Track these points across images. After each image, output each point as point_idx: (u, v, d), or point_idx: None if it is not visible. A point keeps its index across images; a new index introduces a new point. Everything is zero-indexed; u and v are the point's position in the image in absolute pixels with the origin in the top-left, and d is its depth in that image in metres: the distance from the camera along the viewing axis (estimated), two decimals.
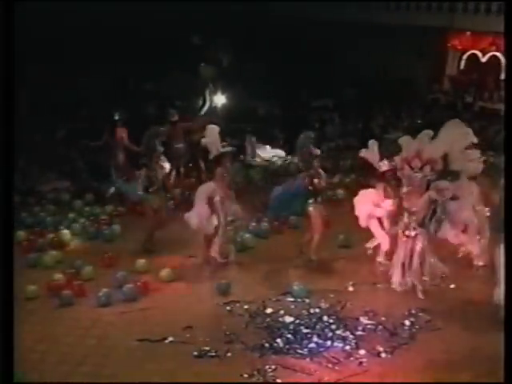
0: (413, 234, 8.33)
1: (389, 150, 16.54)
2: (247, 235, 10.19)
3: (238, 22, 20.26)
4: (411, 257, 8.39)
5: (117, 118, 12.99)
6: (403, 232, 8.40)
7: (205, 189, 9.24)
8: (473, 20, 18.70)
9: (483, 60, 19.51)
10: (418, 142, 8.33)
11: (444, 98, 19.43)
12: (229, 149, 9.84)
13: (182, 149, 13.50)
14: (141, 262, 9.02)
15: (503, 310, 5.86)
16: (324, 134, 17.50)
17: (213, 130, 9.59)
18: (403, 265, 8.42)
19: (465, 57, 19.80)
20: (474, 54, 19.56)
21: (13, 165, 6.05)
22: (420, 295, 8.22)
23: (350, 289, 8.50)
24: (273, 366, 6.51)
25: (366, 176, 13.19)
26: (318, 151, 9.91)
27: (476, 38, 19.26)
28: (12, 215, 5.87)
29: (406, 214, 8.38)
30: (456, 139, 8.30)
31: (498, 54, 19.12)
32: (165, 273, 8.66)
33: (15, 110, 6.15)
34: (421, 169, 8.23)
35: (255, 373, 6.39)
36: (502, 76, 19.06)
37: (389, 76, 20.70)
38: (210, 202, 9.09)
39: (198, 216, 9.03)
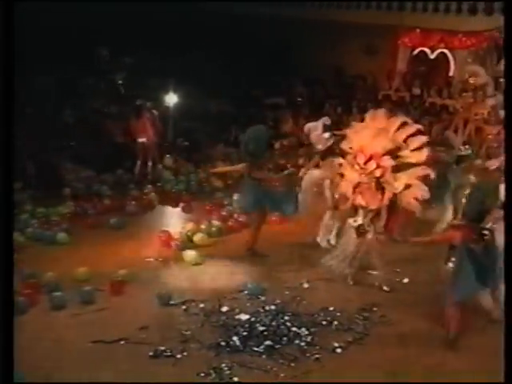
0: (370, 230, 8.35)
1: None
2: (201, 234, 10.15)
3: (190, 20, 20.16)
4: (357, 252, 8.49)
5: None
6: (358, 228, 8.38)
7: (311, 177, 9.69)
8: (422, 18, 18.93)
9: (432, 57, 19.79)
10: (361, 137, 8.28)
11: (395, 95, 19.62)
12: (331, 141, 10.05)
13: (148, 143, 13.78)
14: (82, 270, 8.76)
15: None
16: (277, 131, 17.54)
17: (318, 124, 10.19)
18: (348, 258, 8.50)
19: (414, 54, 20.04)
20: (423, 51, 19.82)
21: (13, 165, 5.94)
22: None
23: (305, 285, 8.54)
24: (229, 365, 6.50)
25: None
26: None
27: (425, 36, 19.52)
28: (12, 216, 5.76)
29: (360, 211, 8.38)
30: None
31: (446, 51, 19.44)
32: (122, 273, 8.56)
33: (15, 110, 6.04)
34: (365, 164, 8.18)
35: (211, 371, 6.38)
36: (451, 72, 19.40)
37: (340, 73, 20.84)
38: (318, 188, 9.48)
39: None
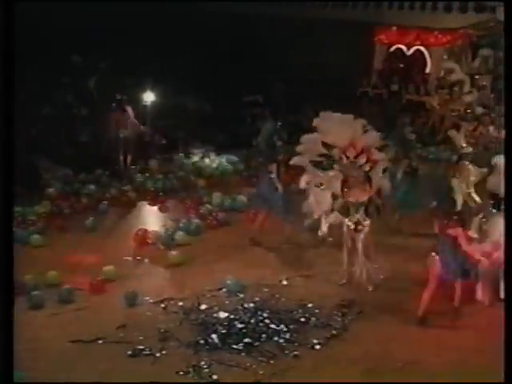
0: (366, 225, 8.39)
1: None
2: (180, 233, 10.14)
3: (168, 18, 20.08)
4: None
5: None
6: (356, 226, 8.37)
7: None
8: (398, 15, 19.07)
9: (408, 54, 19.94)
10: (352, 131, 8.37)
11: (372, 92, 19.74)
12: None
13: (128, 138, 13.79)
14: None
15: None
16: (255, 128, 17.54)
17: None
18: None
19: (391, 51, 20.18)
20: (399, 48, 19.96)
21: (13, 165, 5.91)
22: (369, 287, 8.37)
23: (284, 282, 8.57)
24: (208, 362, 6.50)
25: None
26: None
27: (401, 33, 19.66)
28: (12, 215, 5.70)
29: (352, 208, 8.38)
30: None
31: (422, 48, 19.60)
32: (101, 272, 8.52)
33: (15, 110, 6.00)
34: (355, 158, 8.26)
35: (190, 370, 6.37)
36: (427, 69, 19.55)
37: (318, 71, 20.89)
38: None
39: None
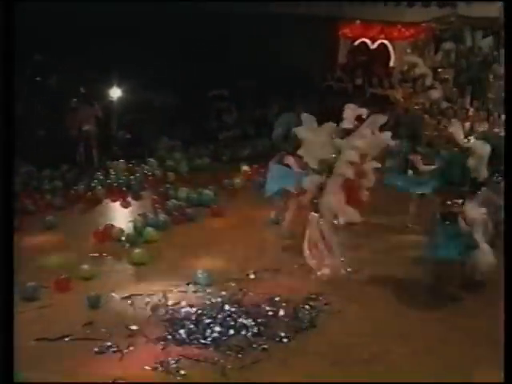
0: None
1: None
2: (149, 229, 10.08)
3: (136, 13, 19.92)
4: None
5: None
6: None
7: None
8: (362, 9, 19.17)
9: (372, 48, 20.07)
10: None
11: (336, 86, 19.82)
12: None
13: (91, 132, 13.79)
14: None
15: None
16: (221, 123, 17.54)
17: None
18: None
19: (355, 45, 20.28)
20: (363, 42, 20.08)
21: (13, 165, 5.89)
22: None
23: (252, 276, 8.58)
24: (176, 358, 6.48)
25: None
26: None
27: (365, 27, 19.78)
28: (12, 218, 5.62)
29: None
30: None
31: (386, 41, 19.74)
32: (66, 269, 8.44)
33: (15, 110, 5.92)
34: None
35: (158, 365, 6.35)
36: (391, 63, 19.70)
37: (284, 65, 20.91)
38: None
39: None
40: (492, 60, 16.87)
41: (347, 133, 9.59)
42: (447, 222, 8.01)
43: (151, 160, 14.28)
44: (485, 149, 8.22)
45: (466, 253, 8.00)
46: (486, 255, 8.00)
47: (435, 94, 13.29)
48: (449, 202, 8.00)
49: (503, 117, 13.07)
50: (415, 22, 18.76)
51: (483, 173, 8.20)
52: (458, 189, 8.06)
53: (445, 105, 12.36)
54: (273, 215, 10.70)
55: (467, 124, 13.22)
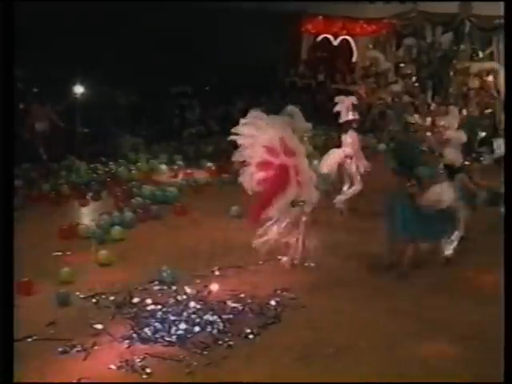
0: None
1: None
2: (117, 227, 10.01)
3: (94, 9, 19.71)
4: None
5: None
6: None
7: (336, 155, 10.33)
8: (324, 5, 19.25)
9: (335, 43, 20.18)
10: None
11: (300, 81, 19.89)
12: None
13: (46, 131, 13.78)
14: None
15: None
16: (184, 120, 17.48)
17: (347, 99, 10.81)
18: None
19: (318, 40, 20.37)
20: (326, 37, 20.18)
21: (13, 163, 5.82)
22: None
23: (217, 273, 8.58)
24: (141, 356, 6.45)
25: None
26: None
27: (328, 23, 19.88)
28: (12, 214, 5.53)
29: None
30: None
31: (348, 37, 19.88)
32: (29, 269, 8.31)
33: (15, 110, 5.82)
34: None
35: (123, 364, 6.32)
36: (354, 59, 19.83)
37: (247, 61, 20.91)
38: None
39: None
40: (452, 55, 17.12)
41: (349, 124, 10.27)
42: (406, 203, 8.37)
43: (114, 157, 14.19)
44: (460, 137, 8.80)
45: (427, 234, 8.42)
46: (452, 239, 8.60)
47: (396, 87, 13.45)
48: (408, 184, 8.36)
49: (464, 111, 13.29)
50: (377, 17, 18.92)
51: (458, 160, 8.61)
52: (412, 171, 8.41)
53: (407, 99, 12.49)
54: (233, 210, 10.75)
55: (428, 119, 13.39)
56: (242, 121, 8.29)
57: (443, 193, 8.43)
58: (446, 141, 9.11)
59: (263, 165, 8.25)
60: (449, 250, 8.83)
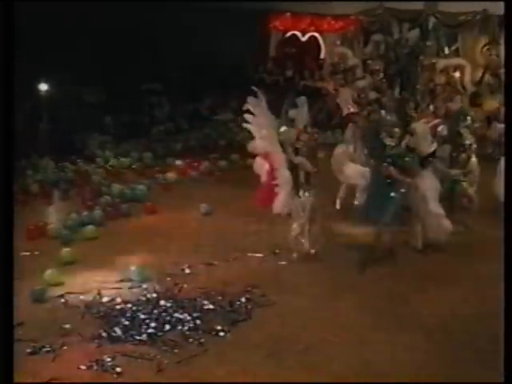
0: None
1: (219, 131, 16.93)
2: (90, 226, 9.94)
3: (63, 6, 19.51)
4: None
5: None
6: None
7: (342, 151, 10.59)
8: (292, 2, 19.28)
9: (303, 40, 20.23)
10: None
11: (269, 78, 19.89)
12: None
13: None
14: None
15: None
16: (153, 117, 17.41)
17: (344, 91, 11.45)
18: None
19: (286, 37, 20.39)
20: (294, 34, 20.22)
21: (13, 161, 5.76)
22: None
23: (187, 271, 8.56)
24: (111, 355, 6.41)
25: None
26: None
27: (295, 19, 19.92)
28: (12, 214, 5.45)
29: None
30: None
31: (316, 34, 19.94)
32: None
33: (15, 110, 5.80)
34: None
35: (93, 364, 6.28)
36: (322, 55, 19.89)
37: (216, 58, 20.87)
38: None
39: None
40: (419, 52, 17.27)
41: (350, 118, 10.81)
42: (383, 186, 8.76)
43: (83, 156, 14.08)
44: (424, 129, 9.24)
45: (399, 218, 8.79)
46: (441, 223, 8.99)
47: (361, 83, 13.54)
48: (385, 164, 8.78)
49: (431, 107, 13.39)
50: (344, 14, 19.01)
51: (426, 149, 9.04)
52: (384, 156, 8.83)
53: (374, 95, 12.56)
54: (203, 207, 10.77)
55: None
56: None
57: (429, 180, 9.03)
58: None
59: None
60: (419, 244, 9.20)
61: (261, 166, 9.31)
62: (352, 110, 10.80)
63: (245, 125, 9.28)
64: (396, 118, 9.47)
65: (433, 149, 9.22)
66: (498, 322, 7.10)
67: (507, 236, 5.08)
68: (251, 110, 9.04)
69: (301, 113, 8.93)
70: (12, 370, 5.02)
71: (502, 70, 15.46)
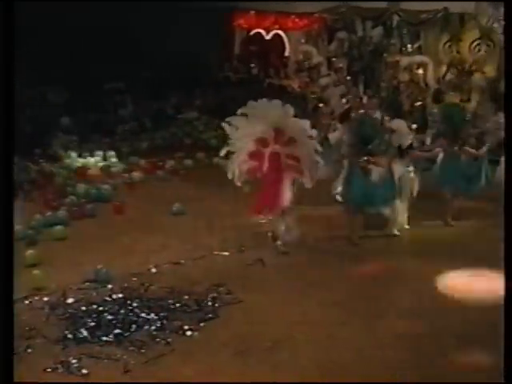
0: None
1: (184, 130, 16.87)
2: (58, 227, 9.83)
3: (27, 5, 19.23)
4: None
5: None
6: None
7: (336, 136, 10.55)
8: (256, 1, 19.29)
9: (267, 38, 20.26)
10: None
11: (234, 76, 19.88)
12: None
13: None
14: None
15: None
16: (118, 116, 17.28)
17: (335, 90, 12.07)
18: None
19: (250, 35, 20.39)
20: (258, 32, 20.24)
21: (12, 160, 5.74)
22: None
23: (153, 270, 8.52)
24: (77, 357, 6.35)
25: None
26: None
27: (259, 17, 19.94)
28: (12, 217, 5.35)
29: None
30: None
31: (280, 32, 19.98)
32: None
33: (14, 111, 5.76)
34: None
35: (59, 366, 6.21)
36: (286, 53, 19.94)
37: (180, 57, 20.78)
38: None
39: None
40: (382, 49, 17.41)
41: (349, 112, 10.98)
42: (360, 174, 9.32)
43: (47, 156, 13.91)
44: (403, 125, 9.81)
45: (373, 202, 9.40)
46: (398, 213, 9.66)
47: (324, 80, 13.63)
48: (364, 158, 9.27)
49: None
50: (308, 12, 19.06)
51: (406, 142, 9.67)
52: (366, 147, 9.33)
53: (337, 93, 12.65)
54: (175, 207, 10.73)
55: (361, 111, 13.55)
56: (238, 111, 8.77)
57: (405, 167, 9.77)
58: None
59: (253, 155, 8.90)
60: (395, 230, 9.75)
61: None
62: (346, 105, 11.31)
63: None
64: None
65: (410, 141, 9.78)
66: (460, 315, 7.29)
67: (507, 236, 5.14)
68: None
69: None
70: (12, 370, 4.99)
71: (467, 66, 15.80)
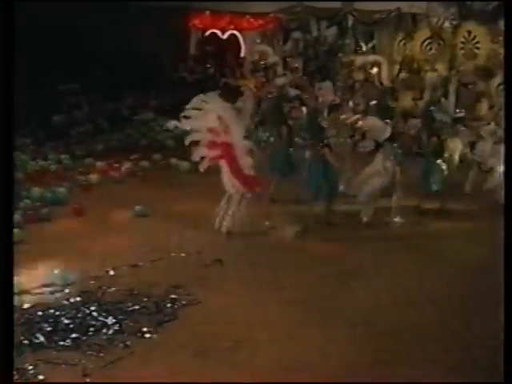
0: None
1: (140, 131, 16.75)
2: (14, 230, 9.63)
3: None
4: None
5: None
6: None
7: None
8: (210, 1, 19.29)
9: (223, 38, 20.26)
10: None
11: (190, 77, 19.82)
12: None
13: None
14: None
15: None
16: (73, 118, 17.07)
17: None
18: None
19: (206, 35, 20.37)
20: (214, 32, 20.22)
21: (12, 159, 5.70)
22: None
23: (111, 273, 8.45)
24: (33, 363, 6.25)
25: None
26: None
27: (215, 18, 19.93)
28: (12, 214, 5.18)
29: None
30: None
31: (235, 32, 20.00)
32: None
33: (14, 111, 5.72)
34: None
35: (14, 373, 6.02)
36: (242, 53, 19.98)
37: (135, 58, 20.62)
38: None
39: None
40: (337, 49, 17.57)
41: (337, 107, 11.38)
42: (319, 164, 9.99)
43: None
44: (377, 121, 10.41)
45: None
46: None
47: (280, 80, 13.68)
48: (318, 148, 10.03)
49: (350, 103, 13.64)
50: (263, 12, 19.13)
51: (383, 137, 10.14)
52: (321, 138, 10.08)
53: (293, 93, 12.69)
54: (137, 208, 10.67)
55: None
56: (187, 106, 9.48)
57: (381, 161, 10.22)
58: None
59: (211, 145, 9.53)
60: (367, 215, 10.22)
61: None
62: (337, 100, 11.82)
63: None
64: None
65: (388, 134, 10.20)
66: (416, 311, 7.39)
67: (507, 236, 5.20)
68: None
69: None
70: (12, 370, 4.97)
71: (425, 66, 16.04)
